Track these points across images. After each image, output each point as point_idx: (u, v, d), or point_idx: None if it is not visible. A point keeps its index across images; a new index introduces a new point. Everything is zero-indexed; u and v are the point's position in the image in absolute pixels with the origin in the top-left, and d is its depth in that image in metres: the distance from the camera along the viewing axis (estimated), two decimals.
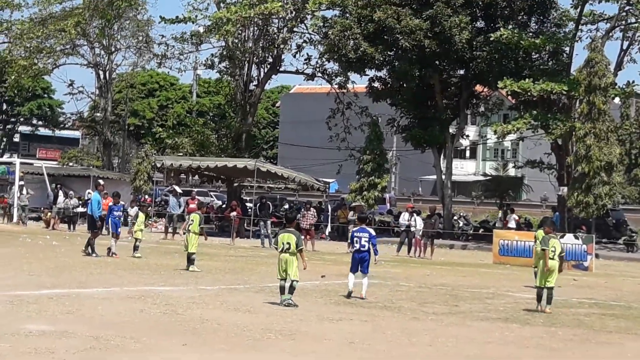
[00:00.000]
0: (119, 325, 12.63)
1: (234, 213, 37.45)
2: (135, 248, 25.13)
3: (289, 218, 17.82)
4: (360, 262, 17.26)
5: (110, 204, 26.09)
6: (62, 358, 10.14)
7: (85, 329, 12.10)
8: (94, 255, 24.30)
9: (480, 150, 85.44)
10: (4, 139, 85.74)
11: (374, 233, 17.55)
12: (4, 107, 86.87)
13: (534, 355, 12.26)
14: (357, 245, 17.22)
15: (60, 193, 40.86)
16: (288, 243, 15.92)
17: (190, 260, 22.12)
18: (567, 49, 43.10)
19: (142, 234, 25.82)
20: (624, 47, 44.19)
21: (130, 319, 13.28)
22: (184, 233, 23.40)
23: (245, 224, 40.23)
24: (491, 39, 40.01)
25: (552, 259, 16.87)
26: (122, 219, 26.87)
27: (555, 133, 40.07)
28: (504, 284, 22.68)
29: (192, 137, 51.19)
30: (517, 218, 42.37)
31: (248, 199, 49.20)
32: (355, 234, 17.47)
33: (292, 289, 15.79)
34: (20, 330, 11.72)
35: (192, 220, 22.86)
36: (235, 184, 47.67)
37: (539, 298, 16.86)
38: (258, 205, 38.48)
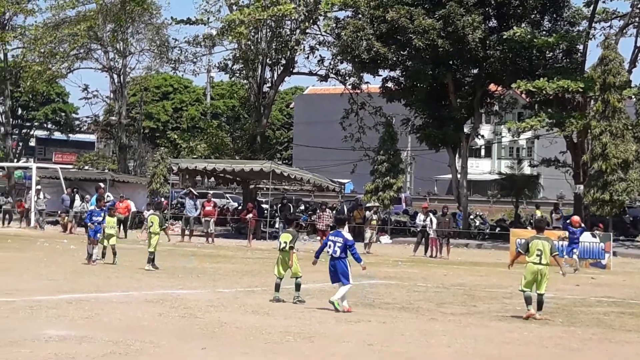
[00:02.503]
0: (138, 329, 12.67)
1: (250, 215, 37.53)
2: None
3: (288, 219, 18.13)
4: (334, 271, 15.56)
5: (91, 208, 24.72)
6: None
7: (105, 333, 12.14)
8: (99, 259, 24.05)
9: (495, 149, 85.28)
10: (20, 144, 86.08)
11: (350, 239, 15.77)
12: (19, 111, 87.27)
13: (554, 355, 12.22)
14: (330, 251, 15.54)
15: (77, 197, 41.05)
16: (285, 242, 16.36)
17: (149, 260, 22.45)
18: (581, 47, 43.00)
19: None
20: (638, 44, 44.04)
21: (149, 323, 13.32)
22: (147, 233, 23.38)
23: (262, 226, 40.29)
24: (504, 37, 39.91)
25: (540, 263, 15.51)
26: (103, 224, 24.16)
27: (569, 129, 40.05)
28: None
29: (206, 139, 51.30)
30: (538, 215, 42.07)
31: (264, 200, 49.26)
32: (329, 238, 15.88)
33: (297, 285, 16.30)
34: (40, 336, 11.76)
35: (152, 222, 22.96)
36: (251, 186, 47.73)
37: (527, 301, 15.55)
38: (279, 206, 38.50)
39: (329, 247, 15.62)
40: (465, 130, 46.62)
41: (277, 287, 16.51)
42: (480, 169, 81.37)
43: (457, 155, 46.69)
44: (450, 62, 43.51)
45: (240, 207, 48.11)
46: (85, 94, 60.35)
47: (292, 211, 38.17)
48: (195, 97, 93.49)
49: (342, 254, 15.51)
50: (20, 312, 13.97)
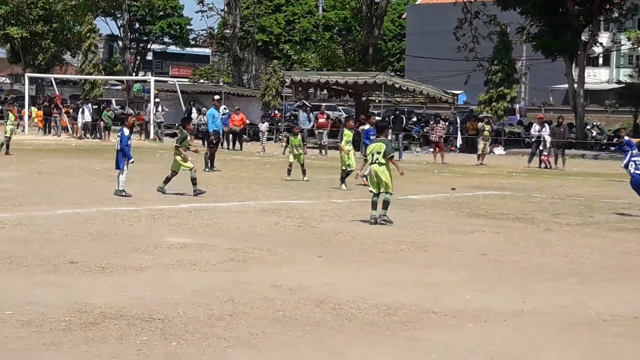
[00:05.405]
0: (255, 237, 12.98)
1: (363, 127, 37.54)
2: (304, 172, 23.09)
3: (379, 127, 16.13)
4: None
5: (367, 127, 23.19)
6: (203, 270, 10.51)
7: (224, 241, 12.49)
8: (214, 170, 24.61)
9: (614, 57, 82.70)
10: (138, 58, 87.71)
11: None
12: (136, 26, 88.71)
13: None
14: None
15: (194, 110, 41.80)
16: (378, 152, 14.64)
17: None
18: None
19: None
20: None
21: (265, 232, 13.62)
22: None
23: None
24: None
25: None
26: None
27: None
28: None
29: (318, 52, 51.28)
30: None
31: (376, 112, 49.16)
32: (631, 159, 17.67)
33: (385, 203, 14.71)
34: (162, 243, 12.17)
35: (344, 136, 21.72)
36: (363, 98, 47.68)
37: None
38: (392, 117, 38.44)
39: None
40: (583, 38, 45.31)
41: (374, 205, 14.89)
42: (597, 78, 79.10)
43: (573, 64, 45.53)
44: None
45: None
46: (201, 7, 61.07)
47: (404, 123, 37.94)
48: (307, 9, 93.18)
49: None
50: (143, 220, 14.47)
